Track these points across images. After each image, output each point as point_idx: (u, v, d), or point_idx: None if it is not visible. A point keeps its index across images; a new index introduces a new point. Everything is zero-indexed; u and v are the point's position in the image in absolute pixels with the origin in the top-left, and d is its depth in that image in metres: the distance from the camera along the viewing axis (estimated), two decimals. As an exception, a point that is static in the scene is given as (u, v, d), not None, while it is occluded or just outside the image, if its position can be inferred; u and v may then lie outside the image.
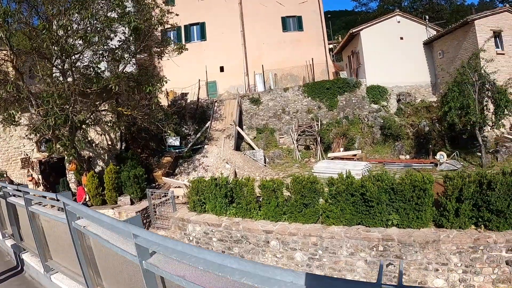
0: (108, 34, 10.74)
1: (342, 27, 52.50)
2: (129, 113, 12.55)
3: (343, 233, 8.24)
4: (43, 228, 4.04)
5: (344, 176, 9.06)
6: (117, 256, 2.30)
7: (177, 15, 13.55)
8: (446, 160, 13.44)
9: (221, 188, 10.45)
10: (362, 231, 8.24)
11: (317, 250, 8.44)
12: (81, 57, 11.37)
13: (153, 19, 12.09)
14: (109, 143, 16.30)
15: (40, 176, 15.00)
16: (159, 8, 12.84)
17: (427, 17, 21.09)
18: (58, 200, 3.14)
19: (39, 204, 4.16)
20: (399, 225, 8.17)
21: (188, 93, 23.06)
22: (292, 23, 25.85)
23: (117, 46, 12.10)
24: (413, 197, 8.03)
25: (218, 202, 10.38)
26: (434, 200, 8.29)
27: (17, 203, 4.70)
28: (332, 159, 17.64)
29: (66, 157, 14.54)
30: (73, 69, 10.72)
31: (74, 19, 9.98)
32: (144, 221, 12.29)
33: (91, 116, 12.69)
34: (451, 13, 30.06)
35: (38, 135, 12.53)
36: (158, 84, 12.48)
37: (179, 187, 14.75)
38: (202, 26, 25.22)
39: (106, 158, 16.11)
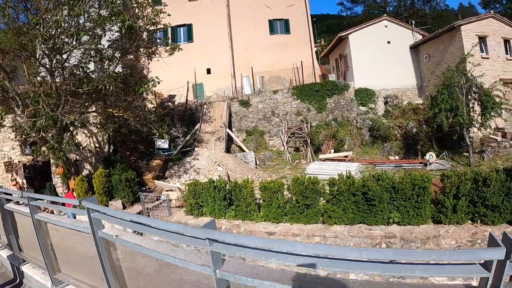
0: (100, 32, 10.44)
1: (324, 31, 53.35)
2: (121, 114, 12.24)
3: (346, 232, 8.31)
4: (51, 238, 3.78)
5: (345, 176, 9.15)
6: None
7: (169, 15, 13.37)
8: (435, 160, 13.83)
9: (220, 190, 10.33)
10: (364, 229, 8.34)
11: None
12: (69, 57, 11.00)
13: (145, 18, 11.88)
14: (97, 145, 15.86)
15: (24, 181, 14.40)
16: (151, 8, 12.63)
17: (413, 22, 21.80)
18: (79, 206, 2.91)
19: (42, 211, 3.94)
20: (399, 223, 8.33)
21: (175, 95, 22.79)
22: (279, 26, 26.07)
23: (106, 45, 11.82)
24: (413, 195, 8.21)
25: (217, 205, 10.24)
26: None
27: (17, 211, 4.39)
28: (323, 160, 17.80)
29: (52, 160, 14.05)
30: (63, 68, 10.35)
31: (65, 16, 9.65)
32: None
33: (80, 117, 12.31)
34: (434, 19, 31.20)
35: (23, 137, 12.03)
36: (150, 84, 12.26)
37: (171, 190, 14.49)
38: (189, 27, 25.06)
39: (94, 161, 15.64)
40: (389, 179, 8.57)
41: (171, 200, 13.32)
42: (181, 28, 24.89)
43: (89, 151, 15.45)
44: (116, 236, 2.59)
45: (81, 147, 14.85)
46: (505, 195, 7.53)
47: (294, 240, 8.67)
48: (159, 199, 12.99)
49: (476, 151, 14.15)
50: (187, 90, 22.16)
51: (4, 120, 11.73)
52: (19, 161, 14.38)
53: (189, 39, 25.10)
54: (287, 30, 26.02)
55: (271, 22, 25.82)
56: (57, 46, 9.26)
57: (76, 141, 14.04)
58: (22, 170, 14.35)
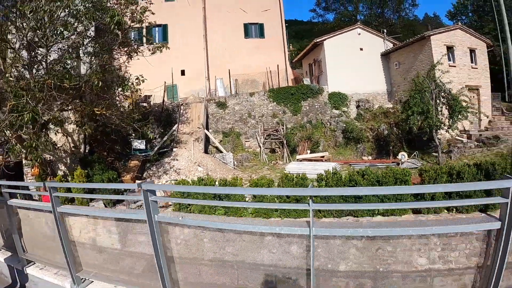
0: (87, 26, 10.22)
1: (292, 36, 54.79)
2: (103, 112, 11.94)
3: (335, 224, 8.75)
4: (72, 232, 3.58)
5: (331, 172, 9.64)
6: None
7: (153, 13, 13.30)
8: (407, 159, 14.85)
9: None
10: (352, 221, 8.83)
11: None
12: (50, 51, 10.62)
13: (134, 15, 11.74)
14: (72, 145, 15.26)
15: (-7, 182, 13.52)
16: (136, 6, 12.50)
17: (385, 31, 23.23)
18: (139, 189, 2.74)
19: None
20: (384, 214, 8.93)
21: (151, 95, 22.44)
22: (254, 30, 26.52)
23: (86, 41, 11.53)
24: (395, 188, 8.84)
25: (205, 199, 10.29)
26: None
27: (27, 205, 4.16)
28: (301, 160, 18.37)
29: (25, 161, 13.36)
30: (47, 62, 9.99)
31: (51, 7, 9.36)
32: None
33: (60, 115, 11.86)
34: (402, 28, 33.31)
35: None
36: (135, 82, 12.12)
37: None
38: (164, 28, 24.82)
39: (69, 162, 15.04)
40: (373, 174, 9.17)
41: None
42: (156, 28, 24.55)
43: (64, 151, 14.83)
44: (182, 217, 2.69)
45: (55, 147, 14.24)
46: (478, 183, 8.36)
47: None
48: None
49: (444, 151, 15.38)
50: (164, 91, 21.94)
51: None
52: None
53: (164, 40, 24.77)
54: (261, 34, 26.53)
55: (246, 26, 26.22)
56: (47, 36, 8.94)
57: (52, 140, 13.48)
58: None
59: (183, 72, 25.11)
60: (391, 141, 17.65)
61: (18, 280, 4.18)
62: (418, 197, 9.02)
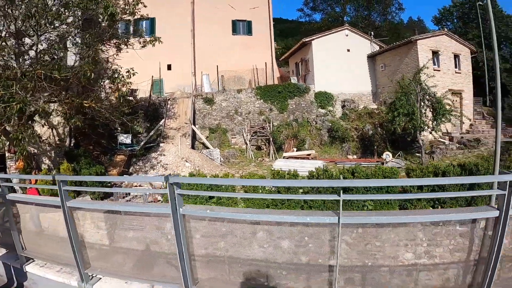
0: (80, 16, 10.03)
1: (277, 34, 55.04)
2: (93, 105, 11.73)
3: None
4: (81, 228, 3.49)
5: (322, 169, 9.89)
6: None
7: (145, 6, 13.17)
8: (392, 159, 15.36)
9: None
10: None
11: (303, 237, 9.04)
12: (41, 40, 10.34)
13: (127, 6, 11.58)
14: (57, 138, 14.89)
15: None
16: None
17: (372, 33, 23.79)
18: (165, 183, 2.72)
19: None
20: (372, 210, 9.25)
21: (137, 89, 22.09)
22: (242, 27, 26.54)
23: (82, 30, 11.29)
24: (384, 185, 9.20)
25: (199, 197, 10.35)
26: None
27: (30, 200, 4.03)
28: (287, 158, 18.61)
29: (8, 154, 12.94)
30: (37, 50, 9.73)
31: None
32: (111, 222, 11.62)
33: (48, 106, 11.56)
34: (388, 31, 34.17)
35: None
36: (125, 75, 11.97)
37: (140, 185, 14.17)
38: (152, 21, 24.40)
39: (53, 155, 14.67)
40: (363, 172, 9.49)
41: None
42: (144, 22, 24.13)
43: (49, 144, 14.47)
44: (209, 210, 2.77)
45: (40, 140, 13.86)
46: (461, 185, 8.82)
47: (279, 227, 9.14)
48: (130, 194, 12.70)
49: (427, 152, 16.01)
50: (151, 85, 21.64)
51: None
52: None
53: (152, 33, 24.38)
54: (249, 32, 26.58)
55: (234, 23, 26.22)
56: (36, 25, 8.71)
57: (37, 132, 13.12)
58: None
59: (169, 67, 24.90)
60: (376, 141, 18.18)
61: (15, 279, 3.91)
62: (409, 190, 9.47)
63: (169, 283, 3.12)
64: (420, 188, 9.20)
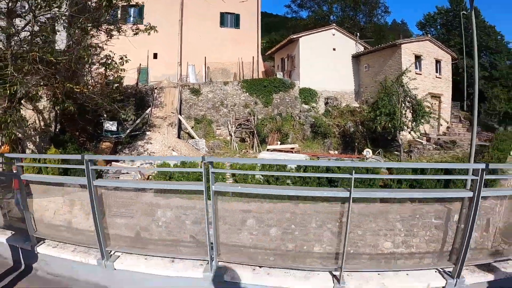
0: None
1: (261, 29, 55.01)
2: (85, 90, 11.70)
3: (313, 209, 9.58)
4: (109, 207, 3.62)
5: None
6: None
7: (137, -7, 13.13)
8: (372, 156, 16.18)
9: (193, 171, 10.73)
10: (328, 206, 9.70)
11: (290, 225, 9.57)
12: (36, 20, 10.17)
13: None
14: (42, 123, 14.63)
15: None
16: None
17: (358, 34, 24.56)
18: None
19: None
20: (356, 201, 9.92)
21: (123, 76, 21.83)
22: (230, 19, 26.59)
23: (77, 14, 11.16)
24: (367, 179, 9.87)
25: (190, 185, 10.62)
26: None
27: (45, 180, 4.04)
28: (271, 151, 19.12)
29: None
30: (32, 31, 9.60)
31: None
32: (101, 209, 11.66)
33: (37, 90, 11.40)
34: (373, 32, 35.14)
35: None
36: (118, 62, 11.99)
37: (127, 173, 14.25)
38: (140, 9, 24.04)
39: (38, 140, 14.43)
40: (347, 165, 10.12)
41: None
42: (132, 9, 23.76)
43: (34, 129, 14.20)
44: (241, 186, 3.14)
45: (26, 125, 13.61)
46: (437, 181, 9.63)
47: (268, 216, 9.64)
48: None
49: (405, 150, 16.96)
50: (138, 73, 21.47)
51: None
52: None
53: (140, 20, 24.11)
54: (237, 25, 26.69)
55: (222, 15, 26.24)
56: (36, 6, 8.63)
57: (23, 116, 12.88)
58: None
59: (155, 55, 24.68)
60: (356, 138, 19.00)
61: (22, 261, 3.77)
62: (386, 188, 10.20)
63: (192, 255, 3.47)
64: (400, 183, 9.99)
